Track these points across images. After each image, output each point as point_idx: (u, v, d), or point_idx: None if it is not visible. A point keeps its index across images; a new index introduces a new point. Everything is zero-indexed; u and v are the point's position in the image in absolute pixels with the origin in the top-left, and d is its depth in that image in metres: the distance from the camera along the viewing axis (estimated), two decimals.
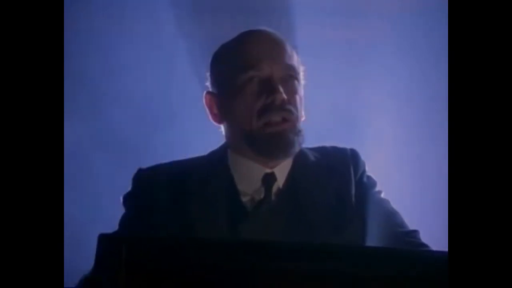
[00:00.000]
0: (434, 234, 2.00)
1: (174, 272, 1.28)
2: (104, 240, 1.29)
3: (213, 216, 1.88)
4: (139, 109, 3.39)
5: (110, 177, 3.07)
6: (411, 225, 1.97)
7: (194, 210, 1.89)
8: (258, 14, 3.33)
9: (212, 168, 1.95)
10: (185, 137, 3.22)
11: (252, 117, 1.88)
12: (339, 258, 1.30)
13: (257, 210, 1.90)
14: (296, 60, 1.96)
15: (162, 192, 1.92)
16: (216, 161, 1.97)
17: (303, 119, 1.95)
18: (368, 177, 2.00)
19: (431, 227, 2.10)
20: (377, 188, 2.00)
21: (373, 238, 1.87)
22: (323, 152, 2.01)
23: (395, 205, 2.00)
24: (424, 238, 1.95)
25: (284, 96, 1.88)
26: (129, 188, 1.98)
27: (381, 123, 3.38)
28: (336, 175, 1.96)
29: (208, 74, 2.01)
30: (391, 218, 1.96)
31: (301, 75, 1.97)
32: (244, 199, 1.92)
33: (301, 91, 1.95)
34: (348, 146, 2.03)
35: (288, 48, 1.95)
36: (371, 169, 2.02)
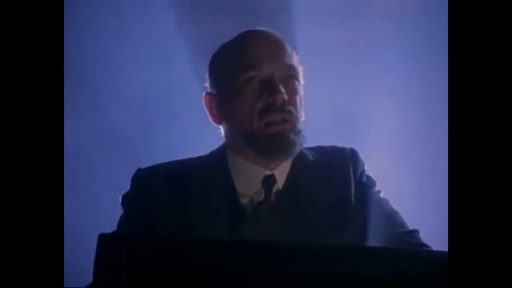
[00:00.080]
0: (434, 234, 2.00)
1: (174, 272, 1.28)
2: (104, 240, 1.29)
3: (213, 216, 1.88)
4: (139, 109, 3.39)
5: (110, 177, 3.07)
6: (411, 225, 1.97)
7: (194, 210, 1.89)
8: (258, 14, 3.33)
9: (212, 169, 1.95)
10: (185, 137, 3.22)
11: (253, 118, 1.88)
12: (339, 258, 1.30)
13: (257, 211, 1.90)
14: (296, 60, 1.96)
15: (161, 192, 1.92)
16: (215, 162, 1.97)
17: (302, 119, 1.95)
18: (368, 176, 2.00)
19: (431, 227, 2.10)
20: (377, 188, 2.00)
21: (373, 238, 1.87)
22: (322, 152, 2.01)
23: (395, 205, 2.00)
24: (424, 238, 1.95)
25: (285, 96, 1.88)
26: (128, 188, 1.98)
27: (381, 123, 3.38)
28: (336, 175, 1.95)
29: (207, 75, 2.01)
30: (391, 218, 1.96)
31: (301, 75, 1.97)
32: (244, 200, 1.91)
33: (301, 91, 1.94)
34: (348, 146, 2.03)
35: (288, 48, 1.95)
36: (371, 169, 2.02)
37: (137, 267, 1.27)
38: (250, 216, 1.90)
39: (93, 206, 3.18)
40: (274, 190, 1.93)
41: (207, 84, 2.01)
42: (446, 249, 1.33)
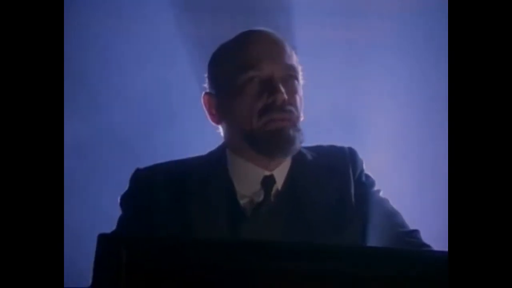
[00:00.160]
0: (434, 234, 2.00)
1: (174, 272, 1.28)
2: (103, 240, 1.29)
3: (212, 216, 1.88)
4: (139, 109, 3.39)
5: (110, 177, 3.07)
6: (411, 225, 1.97)
7: (193, 210, 1.88)
8: (258, 14, 3.32)
9: (212, 169, 1.95)
10: (185, 137, 3.22)
11: (253, 117, 1.88)
12: (339, 258, 1.30)
13: (256, 212, 1.90)
14: (295, 60, 1.96)
15: (160, 192, 1.91)
16: (215, 162, 1.96)
17: (302, 119, 1.95)
18: (367, 176, 2.00)
19: (431, 227, 2.10)
20: (376, 187, 1.99)
21: (373, 238, 1.87)
22: (321, 151, 2.01)
23: (395, 205, 2.00)
24: (424, 238, 1.95)
25: (285, 96, 1.88)
26: (127, 188, 1.97)
27: (381, 123, 3.38)
28: (336, 175, 1.95)
29: (206, 75, 2.01)
30: (391, 217, 1.96)
31: (301, 75, 1.97)
32: (243, 201, 1.91)
33: (300, 91, 1.94)
34: (348, 146, 2.03)
35: (288, 48, 1.95)
36: (371, 169, 2.02)
37: (137, 267, 1.27)
38: (249, 217, 1.89)
39: (93, 206, 3.17)
40: (274, 190, 1.92)
41: (206, 84, 2.00)
42: (446, 249, 1.33)
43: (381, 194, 2.00)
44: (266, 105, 1.87)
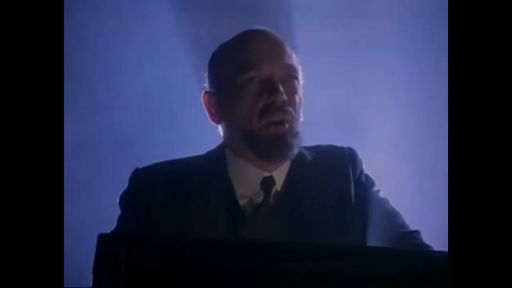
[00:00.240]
0: (434, 234, 2.00)
1: (174, 272, 1.28)
2: (103, 240, 1.29)
3: (212, 216, 1.88)
4: (139, 109, 3.39)
5: (110, 176, 3.07)
6: (411, 225, 1.97)
7: (193, 210, 1.88)
8: (257, 14, 3.32)
9: (211, 168, 1.95)
10: (185, 137, 3.22)
11: (253, 117, 1.88)
12: (339, 258, 1.30)
13: (256, 213, 1.90)
14: (295, 60, 1.96)
15: (159, 191, 1.91)
16: (214, 162, 1.96)
17: (302, 119, 1.95)
18: (367, 176, 1.99)
19: (431, 227, 2.10)
20: (376, 187, 1.99)
21: (374, 239, 1.87)
22: (320, 151, 2.01)
23: (395, 205, 2.00)
24: (424, 238, 1.95)
25: (285, 96, 1.88)
26: (126, 188, 1.97)
27: (381, 123, 3.38)
28: (336, 175, 1.95)
29: (206, 74, 2.01)
30: (391, 218, 1.96)
31: (301, 75, 1.97)
32: (243, 201, 1.91)
33: (300, 91, 1.94)
34: (348, 146, 2.02)
35: (288, 48, 1.95)
36: (371, 169, 2.02)
37: (136, 267, 1.27)
38: (249, 217, 1.89)
39: (93, 206, 3.17)
40: (273, 191, 1.92)
41: (206, 84, 2.00)
42: (446, 249, 1.33)
43: (381, 194, 1.99)
44: (266, 105, 1.87)
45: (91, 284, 1.29)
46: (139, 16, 3.43)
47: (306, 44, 2.72)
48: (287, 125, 1.88)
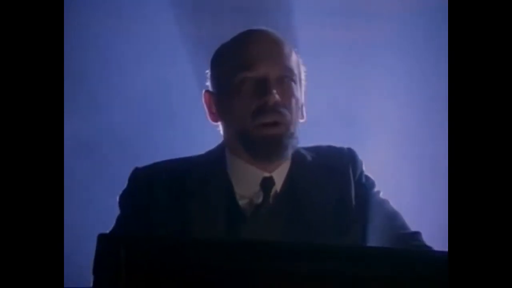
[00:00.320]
0: (434, 234, 2.00)
1: (173, 272, 1.28)
2: (103, 240, 1.29)
3: (212, 216, 1.88)
4: (139, 109, 3.39)
5: (110, 176, 3.07)
6: (411, 225, 1.97)
7: (193, 209, 1.88)
8: (258, 14, 3.32)
9: (211, 168, 1.95)
10: (185, 136, 3.22)
11: (247, 118, 1.87)
12: (339, 258, 1.30)
13: (255, 213, 1.89)
14: (295, 61, 1.94)
15: (159, 190, 1.91)
16: (214, 161, 1.96)
17: (302, 121, 1.94)
18: (367, 177, 1.99)
19: (431, 227, 2.10)
20: (376, 188, 1.99)
21: (374, 240, 1.87)
22: (319, 151, 2.00)
23: (395, 205, 2.00)
24: (424, 238, 1.94)
25: (277, 97, 1.86)
26: (125, 187, 1.97)
27: (381, 123, 3.38)
28: (336, 175, 1.95)
29: (207, 71, 2.01)
30: (392, 219, 1.95)
31: (301, 76, 1.96)
32: (243, 201, 1.91)
33: (298, 92, 1.93)
34: (348, 146, 2.02)
35: (287, 48, 1.94)
36: (371, 169, 2.02)
37: (136, 267, 1.27)
38: (248, 218, 1.89)
39: (93, 206, 3.17)
40: (273, 192, 1.92)
41: (208, 83, 2.00)
42: (446, 249, 1.33)
43: (381, 195, 1.99)
44: (258, 106, 1.87)
45: (91, 284, 1.30)
46: (139, 16, 3.43)
47: (306, 44, 2.72)
48: (280, 126, 1.87)
